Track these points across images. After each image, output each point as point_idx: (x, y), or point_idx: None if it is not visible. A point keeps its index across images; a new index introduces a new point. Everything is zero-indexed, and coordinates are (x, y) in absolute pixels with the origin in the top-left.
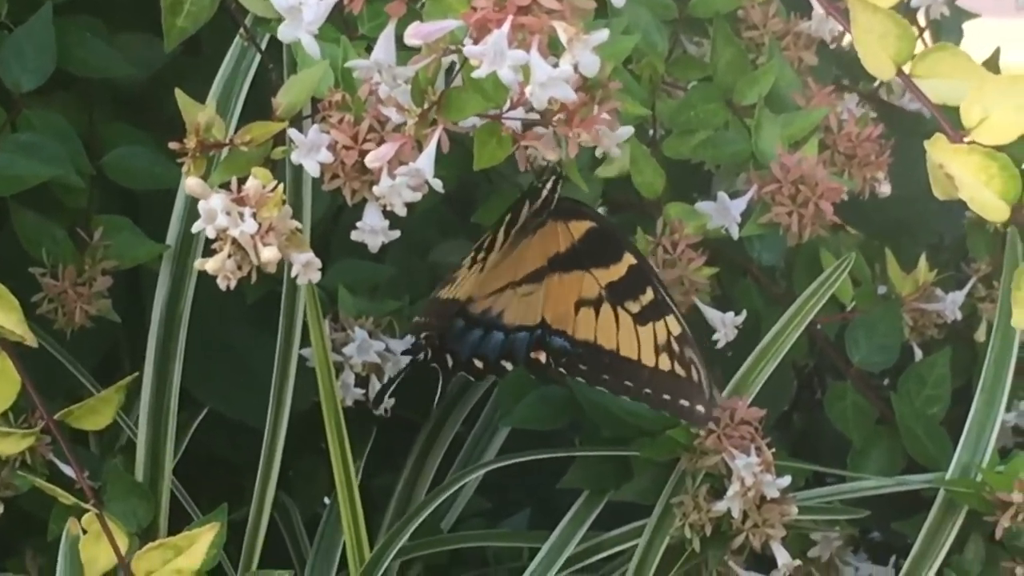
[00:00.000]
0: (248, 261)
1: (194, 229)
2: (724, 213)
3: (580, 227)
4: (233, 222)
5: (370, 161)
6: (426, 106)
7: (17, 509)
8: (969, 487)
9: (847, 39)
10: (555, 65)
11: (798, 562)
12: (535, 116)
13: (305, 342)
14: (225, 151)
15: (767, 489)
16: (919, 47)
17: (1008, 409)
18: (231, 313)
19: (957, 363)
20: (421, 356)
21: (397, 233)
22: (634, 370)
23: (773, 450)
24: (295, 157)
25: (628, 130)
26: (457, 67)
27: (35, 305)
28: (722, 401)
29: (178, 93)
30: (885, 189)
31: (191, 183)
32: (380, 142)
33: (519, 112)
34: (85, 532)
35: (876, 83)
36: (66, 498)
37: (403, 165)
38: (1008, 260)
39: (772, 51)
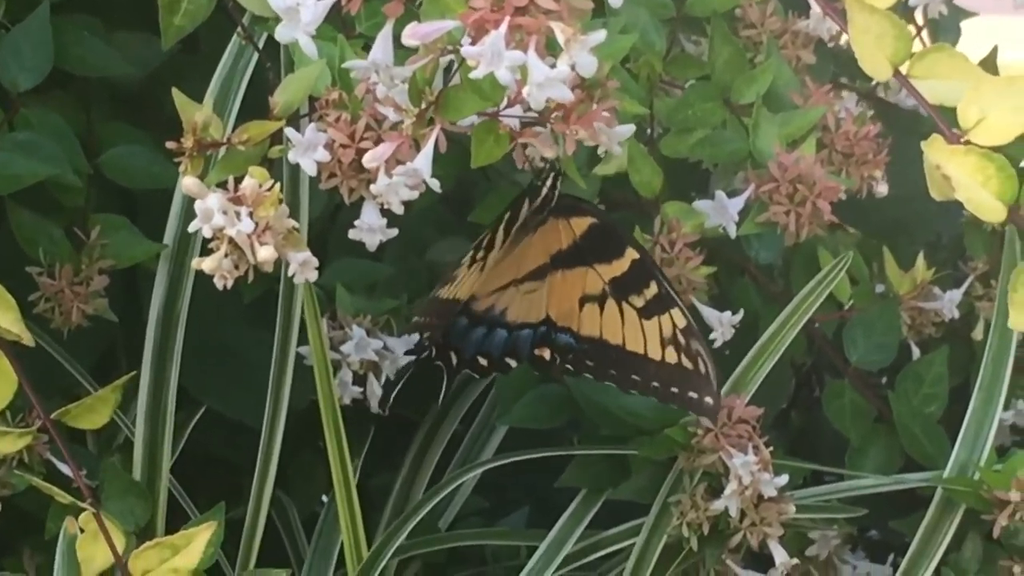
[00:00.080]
0: (245, 260)
1: (191, 228)
2: (722, 212)
3: (581, 223)
4: (230, 221)
5: (367, 160)
6: (423, 106)
7: (15, 508)
8: (967, 485)
9: (845, 37)
10: (552, 65)
11: (796, 561)
12: (533, 114)
13: (303, 340)
14: (222, 150)
15: (765, 488)
16: (917, 46)
17: (1006, 407)
18: (228, 312)
19: (955, 362)
20: (425, 354)
21: (395, 232)
22: (641, 364)
23: (771, 449)
24: (292, 156)
25: (629, 128)
26: (455, 67)
27: (32, 304)
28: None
29: (175, 92)
30: (882, 188)
31: (188, 182)
32: (377, 141)
33: (516, 110)
34: (82, 531)
35: (874, 82)
36: (63, 497)
37: (400, 164)
38: (1006, 259)
39: (770, 50)
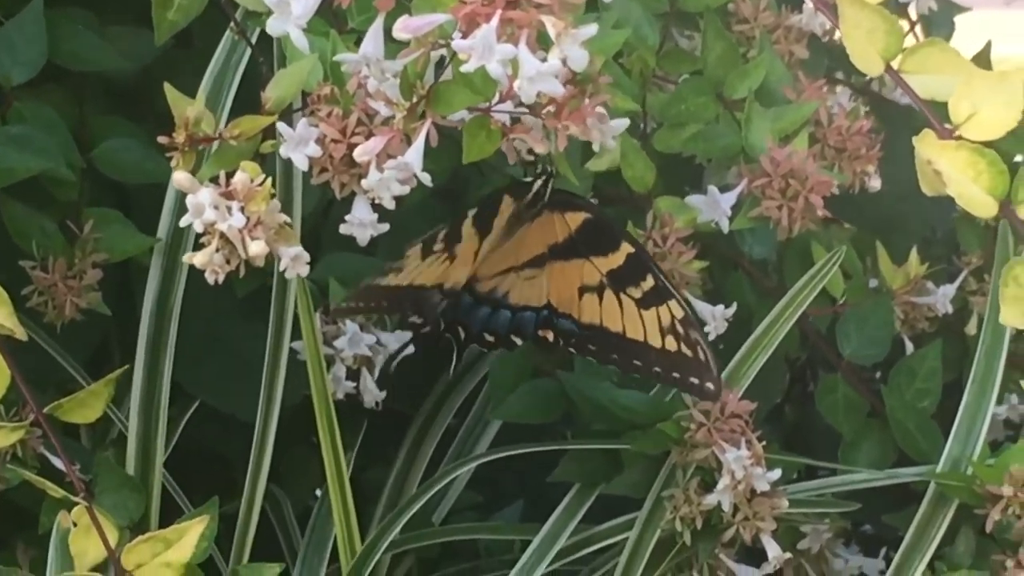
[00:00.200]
0: (236, 255)
1: (182, 223)
2: (714, 207)
3: (576, 218)
4: (221, 216)
5: (358, 155)
6: (415, 100)
7: (8, 502)
8: (960, 480)
9: (839, 32)
10: (544, 59)
11: (788, 555)
12: (524, 110)
13: (296, 335)
14: (215, 145)
15: (757, 482)
16: (910, 41)
17: (999, 402)
18: (222, 307)
19: (948, 356)
20: (431, 327)
21: (386, 226)
22: (641, 351)
23: (764, 443)
24: (284, 151)
25: (623, 123)
26: (446, 61)
27: (25, 298)
28: None
29: (167, 87)
30: (875, 183)
31: (179, 177)
32: (369, 136)
33: (508, 105)
34: (75, 525)
35: (868, 77)
36: (56, 491)
37: (391, 159)
38: (999, 254)
39: (763, 45)
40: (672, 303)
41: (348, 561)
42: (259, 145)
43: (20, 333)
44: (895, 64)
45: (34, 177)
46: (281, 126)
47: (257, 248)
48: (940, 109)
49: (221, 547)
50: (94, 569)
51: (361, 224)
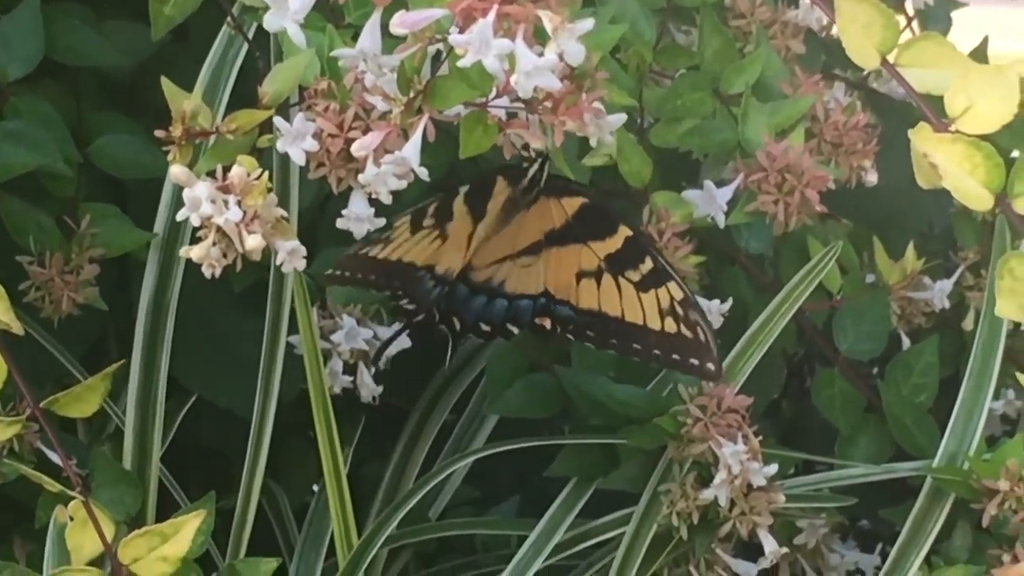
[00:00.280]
0: (233, 249)
1: (179, 217)
2: (710, 202)
3: (572, 203)
4: (218, 210)
5: (356, 149)
6: (412, 95)
7: (6, 497)
8: (956, 475)
9: (836, 27)
10: (540, 54)
11: (785, 550)
12: (521, 105)
13: (293, 330)
14: (212, 139)
15: (754, 477)
16: (908, 36)
17: (995, 397)
18: (219, 301)
19: (945, 351)
20: (423, 317)
21: (382, 221)
22: (641, 334)
23: (760, 438)
24: (281, 145)
25: (620, 118)
26: (443, 56)
27: (22, 293)
28: (710, 390)
29: (164, 81)
30: (872, 178)
31: (176, 171)
32: (366, 130)
33: (505, 100)
34: (72, 519)
35: (865, 72)
36: (52, 485)
37: (389, 153)
38: (996, 249)
39: (759, 40)
40: (671, 284)
41: (345, 556)
42: (256, 139)
43: (17, 328)
44: (891, 58)
45: (31, 172)
46: (278, 120)
47: (254, 242)
48: (936, 103)
49: (218, 542)
50: (91, 563)
51: (358, 219)
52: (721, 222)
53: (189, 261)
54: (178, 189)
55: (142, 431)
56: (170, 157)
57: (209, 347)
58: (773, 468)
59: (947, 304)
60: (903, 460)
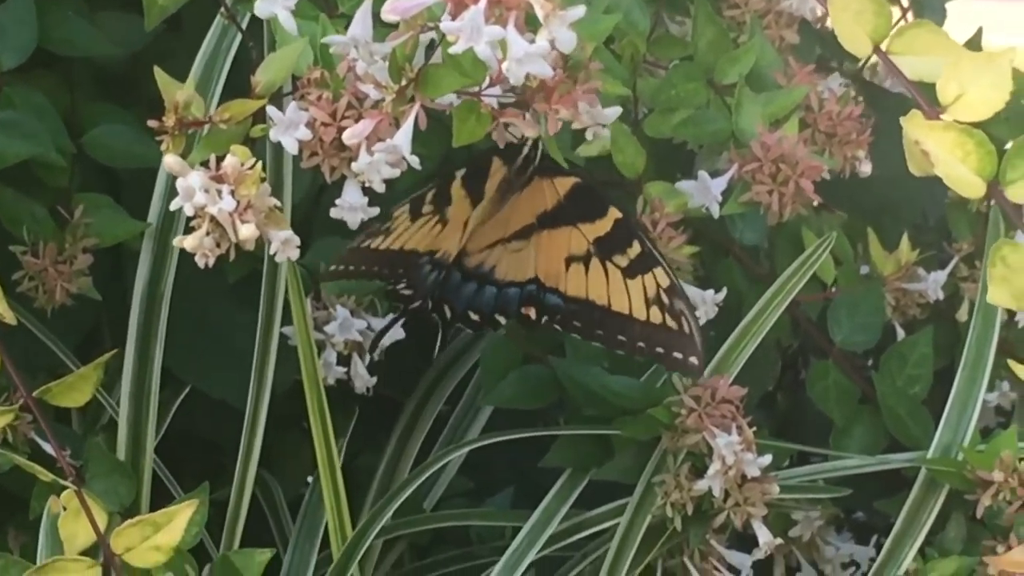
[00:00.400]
0: (227, 238)
1: (172, 206)
2: (704, 192)
3: (565, 183)
4: (211, 200)
5: (347, 137)
6: (403, 83)
7: None
8: (951, 466)
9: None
10: (532, 41)
11: (779, 541)
12: (514, 94)
13: (287, 320)
14: (205, 129)
15: (748, 468)
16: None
17: (990, 389)
18: (213, 292)
19: (939, 343)
20: (419, 304)
21: (376, 210)
22: (626, 324)
23: (755, 429)
24: (274, 134)
25: (616, 110)
26: (435, 43)
27: (16, 283)
28: (704, 381)
29: (157, 71)
30: (866, 168)
31: (169, 160)
32: (358, 120)
33: (498, 89)
34: (65, 509)
35: (860, 63)
36: (45, 475)
37: (381, 141)
38: (990, 239)
39: (753, 30)
40: (658, 271)
41: (339, 547)
42: (249, 129)
43: (10, 317)
44: (884, 46)
45: (24, 162)
46: (271, 110)
47: (247, 231)
48: (929, 91)
49: (212, 533)
50: (84, 553)
51: (351, 208)
52: (715, 212)
53: (183, 251)
54: (172, 179)
55: (136, 422)
56: (163, 147)
57: (203, 338)
58: (767, 459)
59: (941, 295)
60: (897, 451)
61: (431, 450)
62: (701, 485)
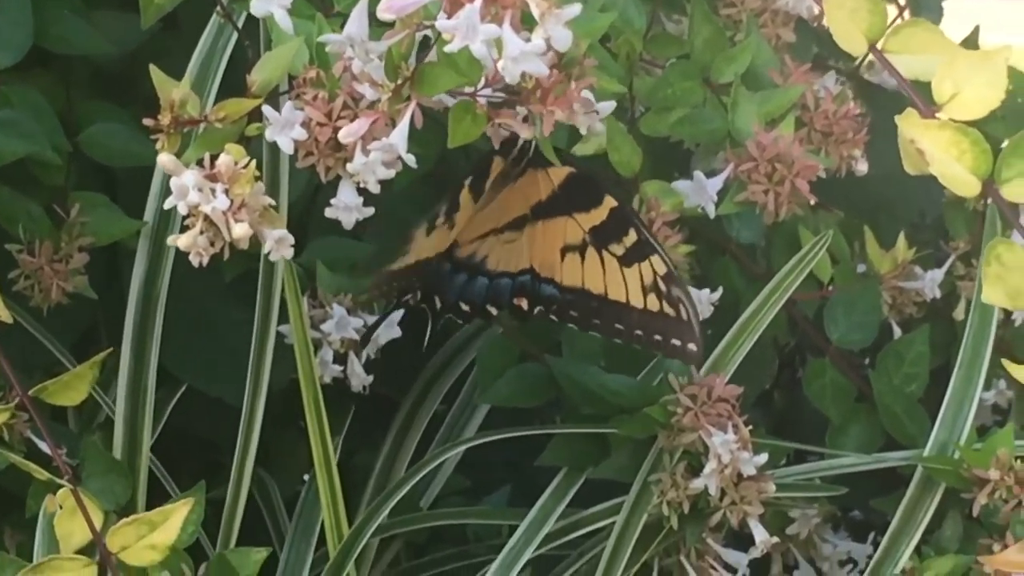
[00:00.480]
0: (221, 237)
1: (166, 205)
2: (700, 191)
3: (560, 173)
4: (205, 198)
5: (343, 137)
6: (399, 81)
7: None
8: (947, 464)
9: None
10: (528, 39)
11: (776, 539)
12: (510, 93)
13: (283, 319)
14: (201, 128)
15: (744, 466)
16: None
17: (986, 387)
18: (209, 290)
19: (936, 341)
20: (408, 298)
21: (371, 210)
22: (623, 313)
23: (751, 427)
24: (269, 134)
25: (609, 105)
26: (431, 42)
27: (12, 282)
28: (700, 379)
29: (153, 69)
30: (862, 167)
31: (164, 159)
32: (354, 119)
33: (491, 90)
34: (61, 508)
35: (856, 61)
36: (40, 474)
37: (377, 141)
38: (987, 238)
39: (750, 28)
40: (655, 258)
41: (335, 545)
42: (244, 128)
43: (6, 316)
44: (879, 44)
45: (20, 161)
46: (267, 109)
47: (241, 230)
48: (924, 89)
49: (208, 531)
50: (80, 552)
51: (346, 208)
52: (712, 212)
53: (179, 250)
54: (168, 178)
55: (132, 420)
56: (158, 145)
57: (199, 336)
58: (763, 457)
59: (938, 294)
60: (894, 450)
61: (427, 448)
62: (697, 483)
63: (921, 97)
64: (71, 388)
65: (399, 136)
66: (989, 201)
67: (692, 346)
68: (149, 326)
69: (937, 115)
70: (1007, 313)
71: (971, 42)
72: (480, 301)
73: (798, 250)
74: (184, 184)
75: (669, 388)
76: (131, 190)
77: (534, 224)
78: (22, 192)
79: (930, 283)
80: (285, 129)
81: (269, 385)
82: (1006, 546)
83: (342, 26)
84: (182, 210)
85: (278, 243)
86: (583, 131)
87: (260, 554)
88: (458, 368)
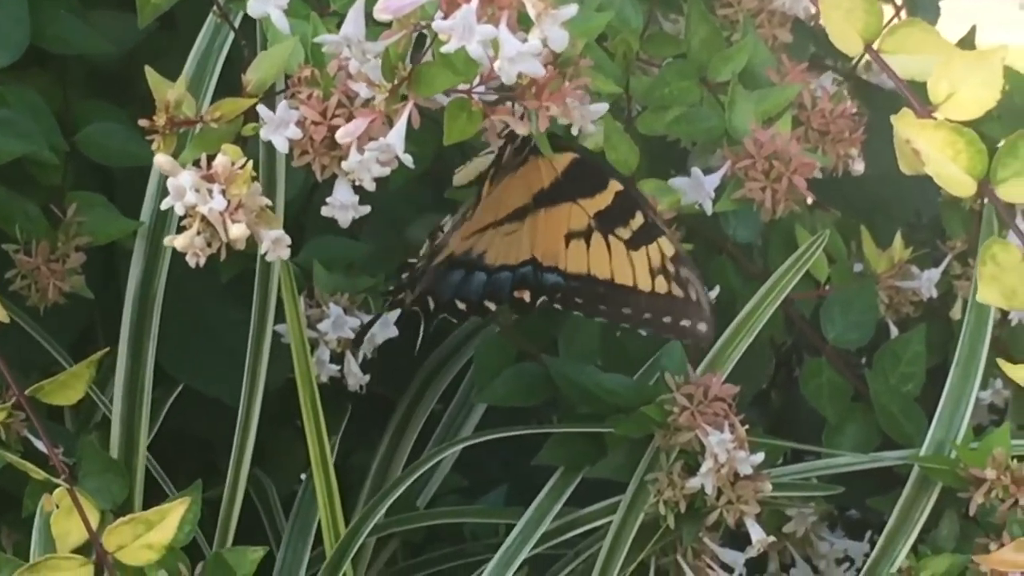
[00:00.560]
0: (218, 238)
1: (163, 206)
2: (697, 189)
3: (563, 160)
4: (202, 199)
5: (340, 136)
6: (396, 81)
7: None
8: (943, 464)
9: None
10: (524, 40)
11: (772, 538)
12: (507, 91)
13: (280, 319)
14: (197, 128)
15: (741, 466)
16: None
17: (983, 386)
18: (206, 290)
19: (932, 340)
20: (400, 296)
21: (367, 209)
22: (631, 297)
23: (748, 427)
24: (264, 133)
25: (603, 106)
26: (428, 42)
27: (8, 281)
28: (697, 378)
29: (148, 70)
30: (859, 166)
31: (160, 159)
32: (349, 118)
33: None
34: (57, 507)
35: (853, 61)
36: (37, 473)
37: (373, 140)
38: (983, 238)
39: (746, 28)
40: (662, 240)
41: (332, 545)
42: (241, 128)
43: (3, 316)
44: (875, 44)
45: (17, 160)
46: (261, 109)
47: (238, 231)
48: (920, 89)
49: (205, 531)
50: (76, 551)
51: (342, 206)
52: (708, 210)
53: (176, 250)
54: (165, 178)
55: (129, 420)
56: (154, 146)
57: (196, 336)
58: (760, 457)
59: (935, 293)
60: (890, 449)
61: (424, 448)
62: (694, 483)
63: (917, 97)
64: (68, 387)
65: (396, 136)
66: (985, 201)
67: (703, 325)
68: (146, 326)
69: (933, 115)
70: (1003, 313)
71: (967, 42)
72: (478, 297)
73: (795, 249)
74: (181, 185)
75: (665, 387)
76: (128, 190)
77: (536, 213)
78: (19, 192)
79: (926, 283)
80: (280, 128)
81: (266, 385)
82: (1002, 545)
83: (338, 26)
84: (179, 211)
85: (275, 244)
86: (575, 131)
87: (257, 553)
88: (455, 368)
